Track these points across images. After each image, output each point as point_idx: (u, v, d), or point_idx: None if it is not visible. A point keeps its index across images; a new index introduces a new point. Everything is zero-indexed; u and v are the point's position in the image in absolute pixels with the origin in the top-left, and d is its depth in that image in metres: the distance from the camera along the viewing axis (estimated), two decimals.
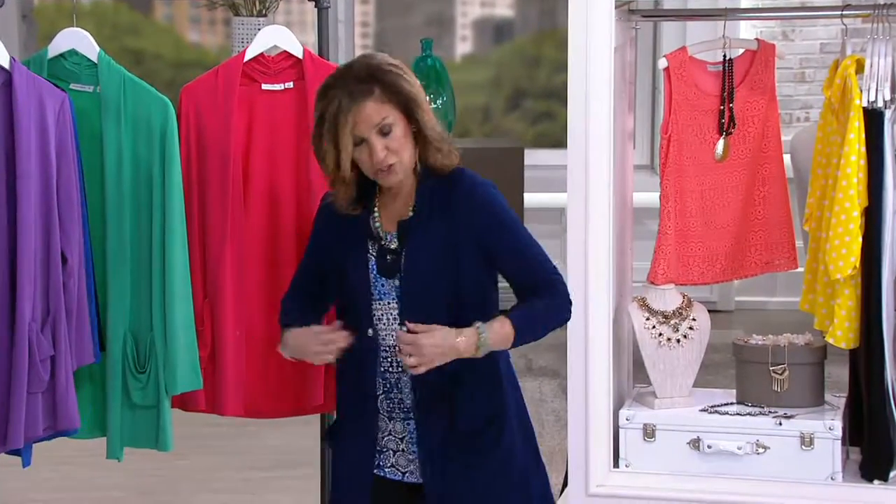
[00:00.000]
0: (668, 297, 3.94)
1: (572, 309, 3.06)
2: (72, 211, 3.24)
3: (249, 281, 3.50)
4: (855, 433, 3.84)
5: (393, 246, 3.00)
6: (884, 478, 3.69)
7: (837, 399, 3.92)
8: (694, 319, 3.95)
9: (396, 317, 3.00)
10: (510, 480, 3.02)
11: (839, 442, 3.73)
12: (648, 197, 4.37)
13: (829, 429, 3.73)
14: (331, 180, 3.01)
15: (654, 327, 3.92)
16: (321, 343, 3.00)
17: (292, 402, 3.56)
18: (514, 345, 2.96)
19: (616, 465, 3.89)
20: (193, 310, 3.42)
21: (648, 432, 3.86)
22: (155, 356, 3.39)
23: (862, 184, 3.59)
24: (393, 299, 3.00)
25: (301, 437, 5.00)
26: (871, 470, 3.72)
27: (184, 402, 3.51)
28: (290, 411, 3.57)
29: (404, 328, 2.94)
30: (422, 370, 2.90)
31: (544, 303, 2.98)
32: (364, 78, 2.92)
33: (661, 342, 3.91)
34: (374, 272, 3.01)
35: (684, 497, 3.80)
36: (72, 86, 3.36)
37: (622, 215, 3.97)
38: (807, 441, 3.74)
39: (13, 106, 3.15)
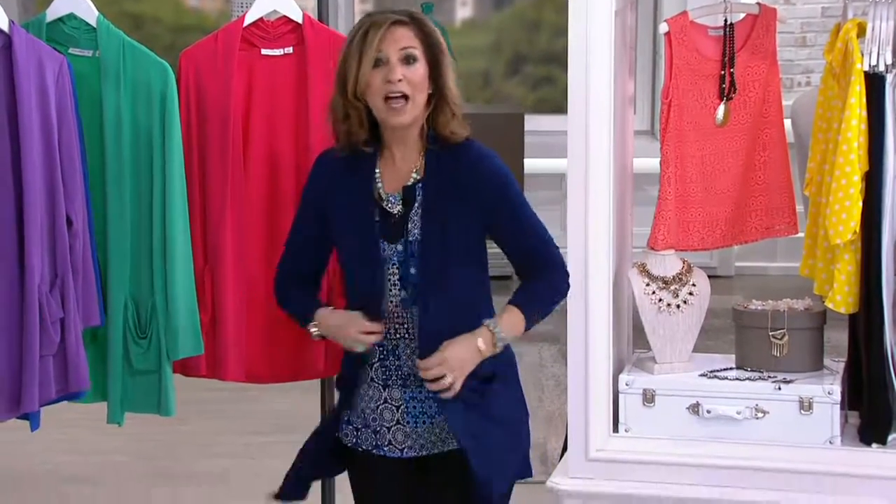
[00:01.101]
0: (668, 263, 3.94)
1: (570, 279, 3.07)
2: (74, 173, 3.24)
3: (250, 245, 3.50)
4: (854, 397, 3.85)
5: (395, 210, 2.99)
6: (882, 441, 3.70)
7: (836, 364, 3.93)
8: (694, 285, 3.94)
9: (397, 282, 2.99)
10: (519, 422, 3.04)
11: (838, 406, 3.74)
12: (649, 162, 4.37)
13: (828, 393, 3.73)
14: (344, 108, 2.97)
15: (653, 293, 3.92)
16: (362, 330, 2.98)
17: (293, 367, 3.57)
18: (525, 329, 2.98)
19: (616, 430, 3.90)
20: (194, 274, 3.43)
21: (648, 397, 3.86)
22: (156, 321, 3.39)
23: (863, 148, 3.59)
24: (394, 264, 3.00)
25: (302, 402, 5.01)
26: (870, 434, 3.73)
27: (184, 368, 3.52)
28: (291, 376, 3.58)
29: (415, 351, 2.96)
30: (458, 386, 2.91)
31: (545, 282, 3.00)
32: (401, 13, 2.99)
33: (660, 308, 3.91)
34: (376, 236, 3.00)
35: (684, 461, 3.81)
36: (70, 50, 3.35)
37: (622, 181, 3.96)
38: (806, 405, 3.75)
39: (13, 68, 3.15)
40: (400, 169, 3.00)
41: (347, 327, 2.97)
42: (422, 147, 2.99)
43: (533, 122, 7.16)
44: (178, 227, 3.38)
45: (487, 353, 2.93)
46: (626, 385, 3.88)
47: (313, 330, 3.06)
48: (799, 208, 4.03)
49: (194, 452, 5.41)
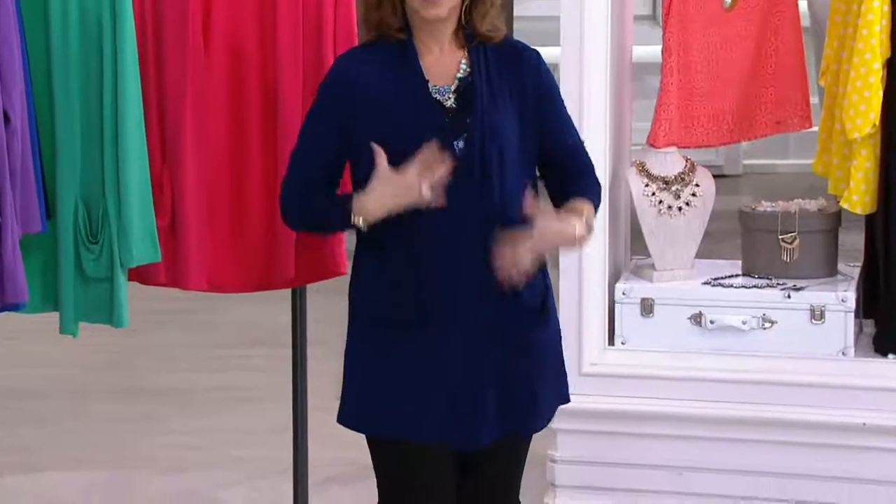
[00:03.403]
0: (669, 161, 3.94)
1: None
2: (12, 65, 3.20)
3: (212, 142, 3.48)
4: (869, 305, 3.88)
5: (449, 103, 2.97)
6: None
7: (851, 269, 3.95)
8: (697, 185, 3.95)
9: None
10: (559, 354, 3.05)
11: (852, 314, 3.77)
12: (649, 51, 4.35)
13: (842, 301, 3.76)
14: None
15: (653, 194, 3.92)
16: (426, 166, 2.84)
17: (261, 275, 3.56)
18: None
19: (611, 342, 3.93)
20: (150, 174, 3.42)
21: (646, 307, 3.89)
22: (108, 225, 3.39)
23: (885, 32, 3.58)
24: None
25: (272, 313, 5.04)
26: (886, 343, 3.77)
27: (142, 275, 3.51)
28: (259, 285, 3.58)
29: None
30: (527, 265, 2.85)
31: (592, 178, 3.03)
32: None
33: (661, 210, 3.92)
34: (445, 128, 2.92)
35: (685, 375, 3.85)
36: None
37: (620, 71, 3.95)
38: (817, 314, 3.78)
39: None
40: (443, 62, 2.98)
41: (405, 184, 2.83)
42: (461, 43, 2.97)
43: (522, 7, 7.11)
44: (132, 122, 3.35)
45: (582, 242, 2.92)
46: (623, 294, 3.90)
47: (360, 223, 2.95)
48: (813, 100, 4.02)
49: (154, 366, 5.44)
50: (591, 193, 3.01)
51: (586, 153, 3.06)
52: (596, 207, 3.01)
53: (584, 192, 3.00)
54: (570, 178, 3.02)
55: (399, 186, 2.86)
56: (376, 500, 3.03)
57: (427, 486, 2.97)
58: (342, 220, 2.94)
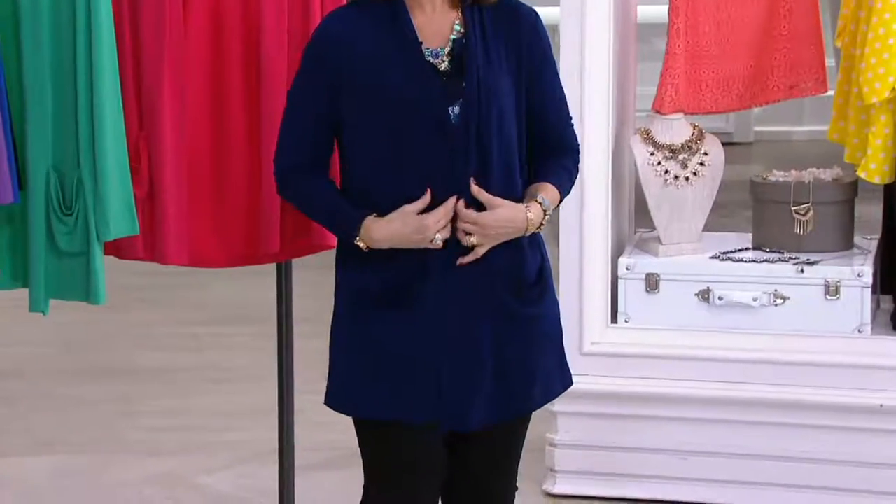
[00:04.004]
0: (676, 128, 3.93)
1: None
2: None
3: (192, 108, 3.47)
4: (887, 280, 3.88)
5: (442, 67, 2.95)
6: None
7: (868, 242, 3.95)
8: (705, 154, 3.95)
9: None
10: (558, 329, 3.05)
11: (869, 290, 3.77)
12: (655, 11, 4.33)
13: (858, 275, 3.76)
14: None
15: (659, 163, 3.93)
16: (439, 222, 2.88)
17: (244, 249, 3.55)
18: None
19: (614, 320, 3.93)
20: (127, 142, 3.41)
21: (651, 283, 3.89)
22: (83, 196, 3.37)
23: None
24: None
25: (256, 288, 5.04)
26: None
27: (119, 249, 3.50)
28: (241, 260, 3.57)
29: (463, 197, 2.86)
30: (481, 252, 2.89)
31: (570, 159, 3.01)
32: None
33: (667, 180, 3.92)
34: (442, 93, 2.89)
35: (691, 355, 3.85)
36: None
37: (624, 32, 3.94)
38: (832, 290, 3.78)
39: None
40: (435, 22, 2.96)
41: (422, 228, 2.87)
42: (454, 3, 2.95)
43: None
44: (107, 86, 3.33)
45: (530, 231, 2.93)
46: (627, 269, 3.90)
47: (361, 245, 2.97)
48: (829, 62, 4.01)
49: (131, 344, 5.44)
50: (560, 177, 2.97)
51: (572, 133, 3.02)
52: (563, 194, 2.97)
53: (551, 174, 2.96)
54: (545, 156, 2.99)
55: (416, 229, 2.87)
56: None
57: (415, 467, 2.96)
58: (343, 231, 2.95)
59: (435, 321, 2.92)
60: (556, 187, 2.96)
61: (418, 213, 2.88)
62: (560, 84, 3.01)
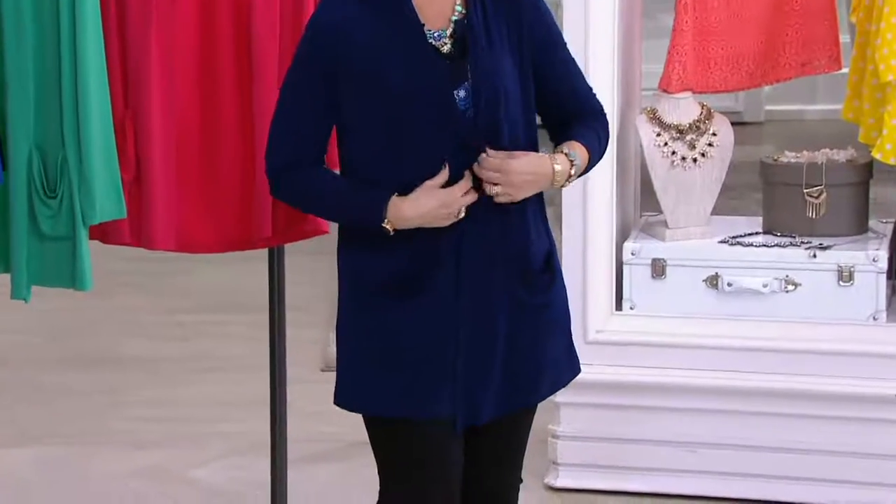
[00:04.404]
0: (683, 108, 3.92)
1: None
2: None
3: (181, 86, 3.45)
4: None
5: (445, 50, 2.95)
6: None
7: (883, 225, 3.96)
8: (714, 134, 3.96)
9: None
10: (566, 314, 3.05)
11: (884, 275, 3.78)
12: None
13: (873, 260, 3.77)
14: None
15: (665, 144, 3.93)
16: (463, 193, 2.88)
17: (234, 234, 3.55)
18: (583, 173, 2.99)
19: (619, 307, 3.93)
20: (113, 122, 3.40)
21: (657, 268, 3.89)
22: (67, 177, 3.37)
23: None
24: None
25: (247, 275, 5.04)
26: None
27: (104, 234, 3.49)
28: (231, 245, 3.57)
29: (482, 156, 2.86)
30: (504, 199, 2.88)
31: (600, 124, 3.02)
32: None
33: (674, 162, 3.93)
34: (447, 77, 2.89)
35: (700, 343, 3.85)
36: None
37: (629, 7, 3.93)
38: (845, 275, 3.78)
39: None
40: (436, 3, 2.96)
41: (449, 201, 2.86)
42: None
43: None
44: (92, 62, 3.31)
45: (557, 185, 2.93)
46: (632, 254, 3.90)
47: (389, 227, 2.95)
48: (844, 38, 4.00)
49: (116, 331, 5.45)
50: (586, 137, 2.97)
51: (597, 100, 3.03)
52: (594, 154, 2.97)
53: (576, 135, 2.96)
54: (569, 124, 3.00)
55: (443, 203, 2.86)
56: (365, 480, 3.01)
57: (436, 465, 2.94)
58: (366, 215, 2.90)
59: (443, 310, 2.90)
60: (584, 146, 2.94)
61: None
62: (572, 58, 3.01)
